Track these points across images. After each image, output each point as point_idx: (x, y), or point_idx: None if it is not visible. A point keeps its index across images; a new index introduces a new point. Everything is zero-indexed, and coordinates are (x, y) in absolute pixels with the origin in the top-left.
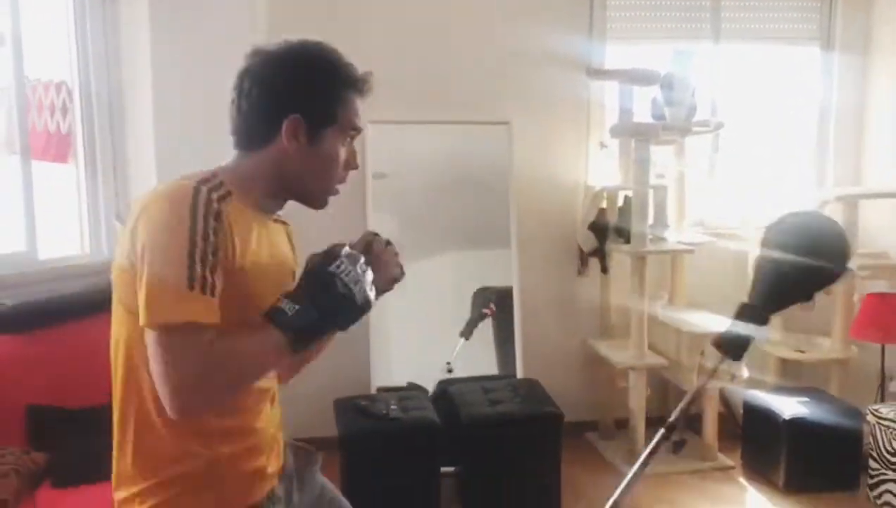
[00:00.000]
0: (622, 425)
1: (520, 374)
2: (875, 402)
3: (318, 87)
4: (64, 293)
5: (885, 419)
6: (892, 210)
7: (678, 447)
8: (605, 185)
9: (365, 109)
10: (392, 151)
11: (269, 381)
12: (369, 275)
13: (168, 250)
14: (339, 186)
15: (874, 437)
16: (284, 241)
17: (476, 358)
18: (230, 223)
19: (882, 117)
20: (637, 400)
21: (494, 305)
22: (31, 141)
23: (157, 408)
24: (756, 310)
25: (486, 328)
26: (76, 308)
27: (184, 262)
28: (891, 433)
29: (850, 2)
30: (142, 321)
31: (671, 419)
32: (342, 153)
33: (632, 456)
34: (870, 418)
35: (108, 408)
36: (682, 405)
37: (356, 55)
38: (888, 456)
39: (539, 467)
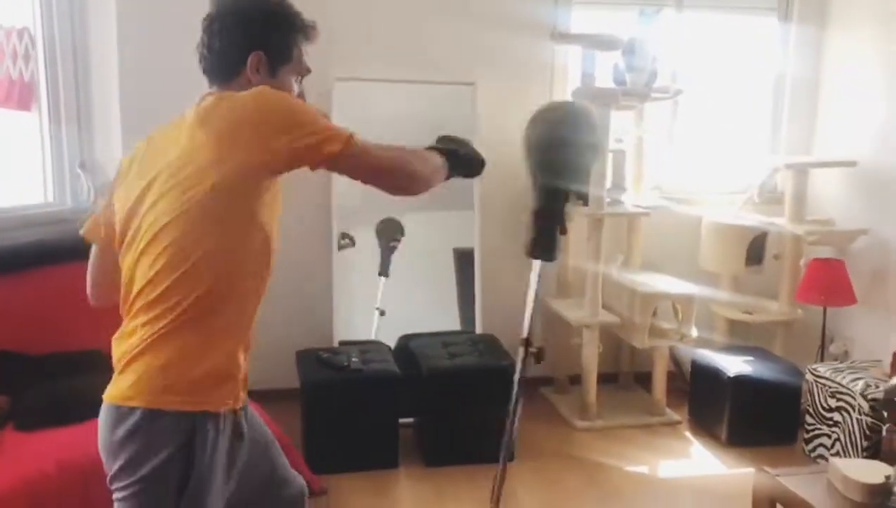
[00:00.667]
0: (576, 381)
1: (479, 330)
2: (815, 362)
3: (277, 30)
4: (26, 242)
5: (821, 377)
6: (840, 179)
7: (538, 357)
8: None
9: (331, 65)
10: (359, 108)
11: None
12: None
13: (302, 112)
14: None
15: (811, 394)
16: None
17: (439, 315)
18: None
19: (835, 89)
20: (590, 357)
21: (400, 235)
22: None
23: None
24: (546, 211)
25: (449, 288)
26: (39, 257)
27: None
28: (826, 390)
29: None
30: (329, 151)
31: (524, 335)
32: (295, 89)
33: (583, 410)
34: (808, 376)
35: (71, 355)
36: (527, 317)
37: (324, 12)
38: (823, 412)
39: (494, 419)
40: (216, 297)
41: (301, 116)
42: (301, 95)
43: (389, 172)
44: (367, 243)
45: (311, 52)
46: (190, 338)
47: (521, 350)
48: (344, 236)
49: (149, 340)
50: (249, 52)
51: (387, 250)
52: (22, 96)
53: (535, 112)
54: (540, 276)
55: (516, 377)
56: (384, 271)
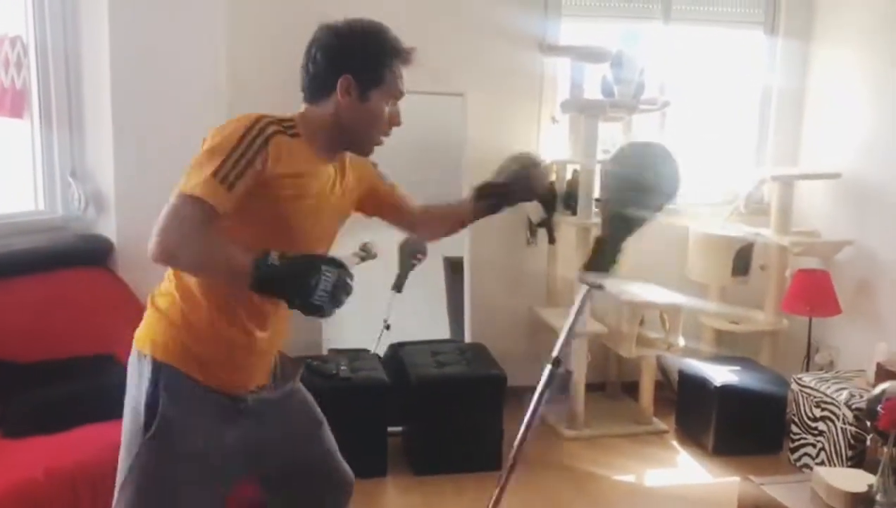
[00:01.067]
0: (563, 389)
1: (468, 339)
2: (800, 372)
3: (367, 53)
4: (17, 249)
5: (806, 387)
6: (825, 191)
7: (566, 379)
8: (554, 158)
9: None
10: None
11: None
12: (343, 295)
13: (215, 148)
14: (384, 140)
15: (797, 404)
16: (342, 179)
17: (429, 324)
18: (278, 153)
19: (820, 102)
20: (578, 366)
21: (422, 255)
22: None
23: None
24: (608, 243)
25: (440, 295)
26: (30, 264)
27: (221, 160)
28: (811, 400)
29: None
30: (177, 189)
31: (555, 354)
32: (386, 111)
33: (571, 419)
34: (794, 386)
35: (61, 363)
36: (561, 337)
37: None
38: (808, 422)
39: (483, 427)
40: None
41: (205, 152)
42: (394, 118)
43: (155, 238)
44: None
45: (292, 61)
46: None
47: (548, 368)
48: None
49: None
50: (340, 75)
51: (408, 267)
52: (14, 104)
53: (624, 151)
54: (585, 300)
55: (537, 393)
56: (398, 287)
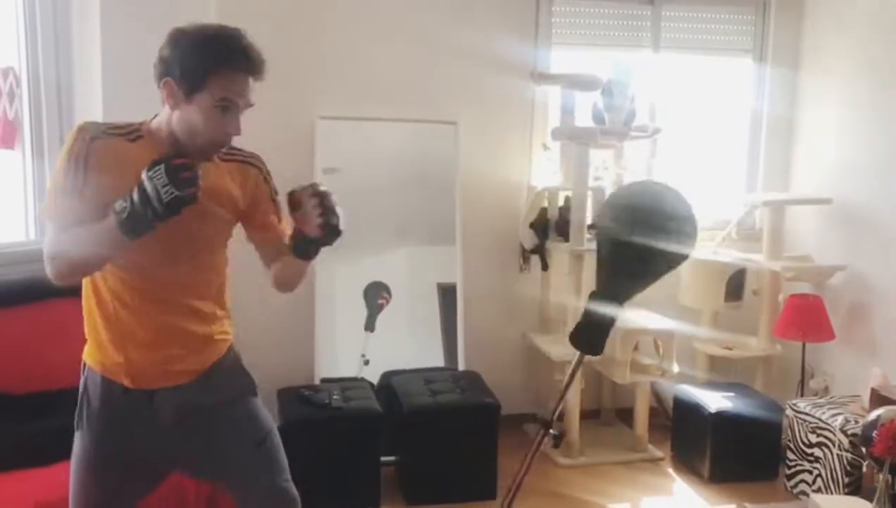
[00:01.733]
0: (558, 417)
1: (462, 367)
2: (795, 397)
3: (188, 59)
4: (8, 279)
5: (801, 412)
6: (816, 216)
7: (557, 441)
8: (546, 185)
9: (315, 103)
10: (342, 147)
11: (187, 302)
12: (181, 173)
13: (59, 168)
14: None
15: (792, 430)
16: (220, 178)
17: (422, 351)
18: (108, 156)
19: (809, 128)
20: (572, 393)
21: (387, 296)
22: None
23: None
24: (606, 299)
25: (433, 323)
26: (21, 294)
27: (62, 176)
28: (807, 426)
29: (782, 19)
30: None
31: (548, 417)
32: (212, 118)
33: (567, 447)
34: (789, 412)
35: (51, 394)
36: (556, 405)
37: (308, 50)
38: (804, 448)
39: (477, 457)
40: None
41: (56, 169)
42: (228, 126)
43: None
44: (352, 281)
45: (296, 92)
46: None
47: (540, 432)
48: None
49: None
50: (163, 80)
51: (374, 309)
52: (5, 134)
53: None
54: (579, 364)
55: (528, 458)
56: (370, 327)
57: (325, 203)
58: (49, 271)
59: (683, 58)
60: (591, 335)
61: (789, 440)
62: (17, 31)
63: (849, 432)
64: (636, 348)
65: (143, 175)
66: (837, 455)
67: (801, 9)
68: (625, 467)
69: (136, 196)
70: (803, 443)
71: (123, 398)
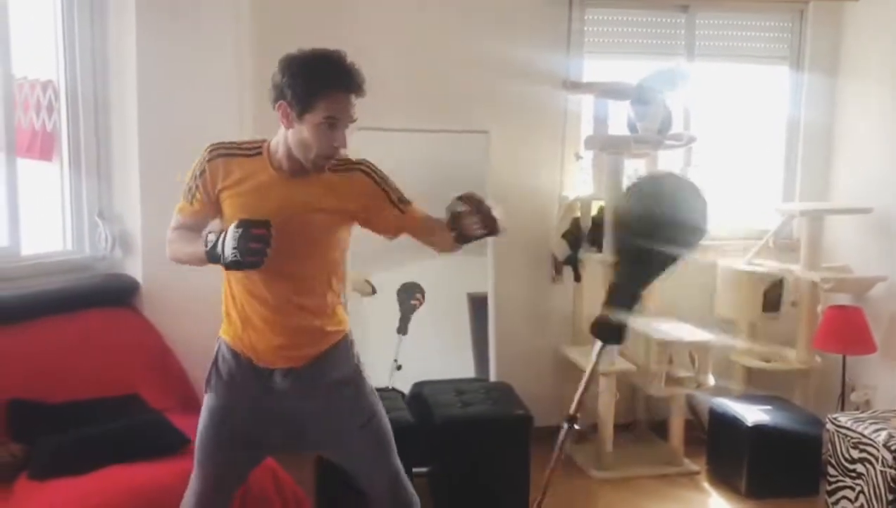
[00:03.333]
0: (591, 429)
1: (493, 378)
2: (835, 411)
3: (298, 83)
4: (45, 289)
5: (843, 427)
6: (855, 226)
7: (579, 434)
8: (579, 195)
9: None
10: (374, 157)
11: (297, 301)
12: (249, 242)
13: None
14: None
15: (833, 445)
16: (321, 191)
17: (454, 362)
18: (222, 172)
19: (848, 136)
20: (606, 405)
21: (421, 297)
22: (17, 138)
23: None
24: (623, 289)
25: (464, 333)
26: (57, 304)
27: (185, 182)
28: (849, 441)
29: (819, 25)
30: None
31: (571, 411)
32: (321, 134)
33: (599, 460)
34: (829, 426)
35: (86, 403)
36: (577, 395)
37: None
38: (846, 464)
39: (509, 468)
40: None
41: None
42: (335, 141)
43: None
44: (384, 291)
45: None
46: None
47: (564, 426)
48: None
49: None
50: (277, 103)
51: (407, 309)
52: (44, 146)
53: (639, 185)
54: (600, 354)
55: (555, 453)
56: (403, 330)
57: (482, 213)
58: (167, 253)
59: (718, 66)
60: (612, 324)
61: (830, 456)
62: (56, 46)
63: (892, 447)
64: (671, 360)
65: (230, 228)
66: (881, 471)
67: (839, 15)
68: (659, 481)
69: (216, 240)
70: (845, 459)
71: (249, 370)
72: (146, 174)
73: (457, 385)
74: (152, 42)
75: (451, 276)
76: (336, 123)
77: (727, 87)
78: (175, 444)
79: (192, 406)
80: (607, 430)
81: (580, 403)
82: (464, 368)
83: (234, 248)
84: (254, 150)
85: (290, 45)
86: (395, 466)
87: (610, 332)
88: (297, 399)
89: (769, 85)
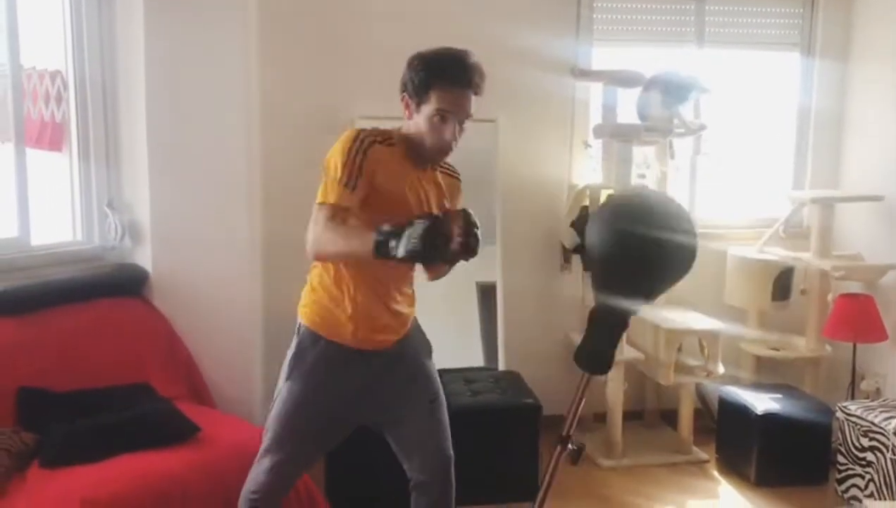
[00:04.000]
0: (600, 418)
1: (502, 366)
2: (845, 399)
3: (417, 75)
4: (55, 279)
5: (853, 415)
6: (867, 213)
7: (575, 457)
8: (588, 183)
9: (355, 103)
10: None
11: (397, 289)
12: (435, 238)
13: (334, 165)
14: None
15: (843, 433)
16: (433, 187)
17: (462, 351)
18: (376, 159)
19: (860, 123)
20: (615, 394)
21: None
22: (26, 129)
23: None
24: (605, 316)
25: (473, 322)
26: (67, 294)
27: (339, 171)
28: (858, 429)
29: (830, 11)
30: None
31: (564, 432)
32: (432, 127)
33: (608, 448)
34: (839, 414)
35: (97, 392)
36: (570, 416)
37: (347, 50)
38: (855, 452)
39: (518, 457)
40: None
41: (327, 165)
42: (449, 133)
43: (306, 245)
44: None
45: (334, 92)
46: None
47: (557, 448)
48: None
49: None
50: (401, 96)
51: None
52: (53, 137)
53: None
54: (587, 381)
55: (548, 477)
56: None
57: (467, 225)
58: (308, 250)
59: (728, 53)
60: (596, 354)
61: (840, 444)
62: (65, 36)
63: None
64: (680, 348)
65: (415, 220)
66: (891, 459)
67: (849, 1)
68: (669, 469)
69: (393, 229)
70: (855, 447)
71: (343, 354)
72: (155, 164)
73: (466, 374)
74: (160, 31)
75: (459, 265)
76: (447, 117)
77: (738, 74)
78: (185, 433)
79: (202, 395)
80: (616, 418)
81: (571, 425)
82: (473, 357)
83: (416, 238)
84: (388, 140)
85: (296, 30)
86: (450, 450)
87: (596, 362)
88: (383, 376)
89: (780, 72)
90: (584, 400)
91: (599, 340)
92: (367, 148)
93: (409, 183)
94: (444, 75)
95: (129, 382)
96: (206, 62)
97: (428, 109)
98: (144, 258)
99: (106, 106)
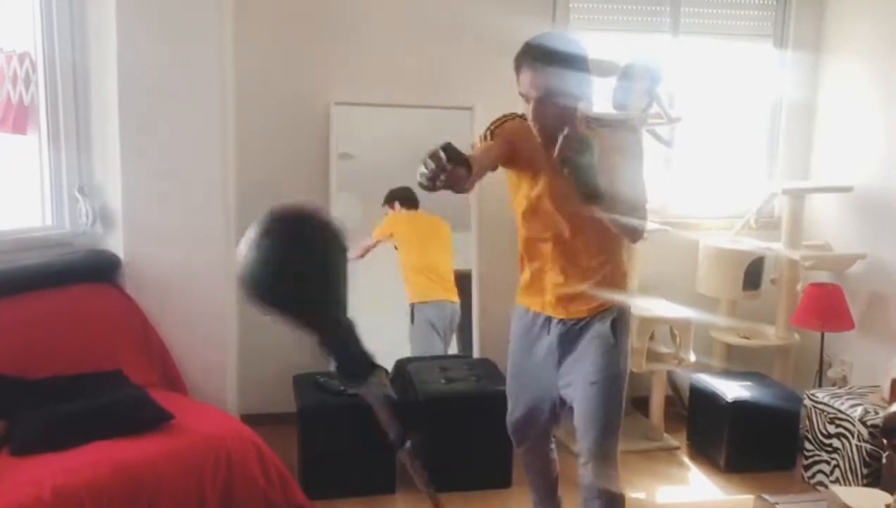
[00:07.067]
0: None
1: (476, 354)
2: (813, 387)
3: (516, 60)
4: (25, 265)
5: (820, 402)
6: (837, 204)
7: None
8: None
9: (330, 89)
10: (357, 132)
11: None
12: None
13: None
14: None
15: (810, 420)
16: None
17: (422, 312)
18: (510, 130)
19: (831, 114)
20: None
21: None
22: None
23: None
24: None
25: None
26: (38, 280)
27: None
28: (825, 416)
29: (803, 2)
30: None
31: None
32: (526, 104)
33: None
34: (807, 402)
35: (68, 379)
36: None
37: (323, 36)
38: (822, 438)
39: (492, 444)
40: None
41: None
42: (530, 111)
43: None
44: (368, 266)
45: (310, 77)
46: None
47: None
48: None
49: None
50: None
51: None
52: (20, 119)
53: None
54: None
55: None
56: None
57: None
58: None
59: (703, 42)
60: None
61: (807, 431)
62: (33, 17)
63: (868, 423)
64: (652, 336)
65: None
66: (856, 445)
67: None
68: (640, 456)
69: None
70: (821, 434)
71: (532, 319)
72: (127, 148)
73: (441, 362)
74: (133, 12)
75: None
76: (529, 98)
77: (711, 64)
78: (158, 420)
79: (175, 383)
80: None
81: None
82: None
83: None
84: (519, 116)
85: (273, 11)
86: (605, 443)
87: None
88: (562, 349)
89: (753, 62)
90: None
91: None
92: (502, 124)
93: (529, 146)
94: (523, 56)
95: (101, 369)
96: (180, 45)
97: (521, 88)
98: (116, 244)
99: (76, 89)
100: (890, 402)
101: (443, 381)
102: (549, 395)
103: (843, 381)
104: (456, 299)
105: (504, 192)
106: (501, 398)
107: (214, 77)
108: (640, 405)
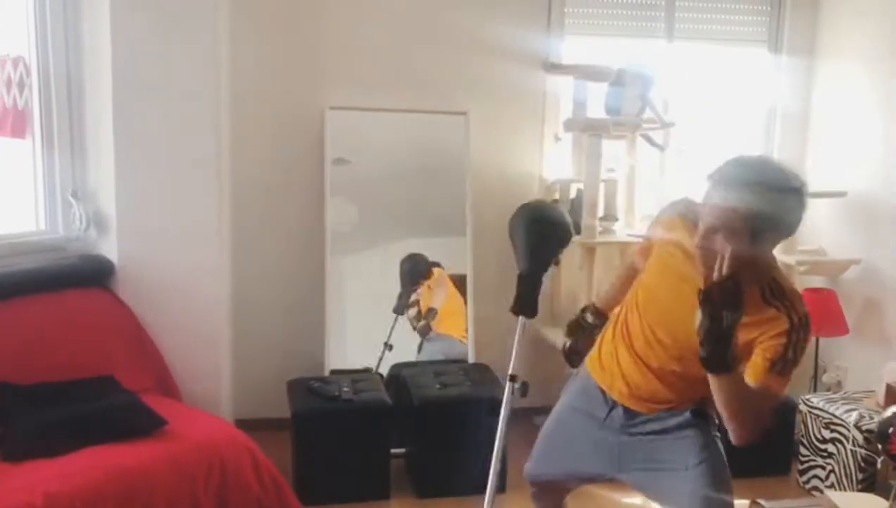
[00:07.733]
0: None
1: (471, 359)
2: (808, 392)
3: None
4: (18, 269)
5: (815, 408)
6: (831, 209)
7: (524, 389)
8: (558, 177)
9: (324, 94)
10: (352, 137)
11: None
12: None
13: None
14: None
15: (805, 425)
16: None
17: (432, 344)
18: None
19: (825, 119)
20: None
21: (423, 280)
22: None
23: None
24: (526, 275)
25: None
26: (31, 284)
27: None
28: (820, 421)
29: (798, 7)
30: None
31: (510, 371)
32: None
33: None
34: (802, 407)
35: (61, 385)
36: (514, 356)
37: (318, 41)
38: (817, 444)
39: (487, 449)
40: None
41: None
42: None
43: None
44: (362, 272)
45: (305, 82)
46: None
47: (508, 386)
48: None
49: None
50: None
51: (408, 289)
52: (15, 124)
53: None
54: (524, 325)
55: (503, 412)
56: (400, 309)
57: None
58: None
59: (697, 48)
60: (525, 300)
61: (802, 436)
62: (28, 21)
63: (863, 428)
64: None
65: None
66: (851, 450)
67: None
68: None
69: None
70: (816, 438)
71: (595, 390)
72: (121, 153)
73: (435, 367)
74: (128, 16)
75: (429, 257)
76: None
77: (706, 69)
78: (151, 426)
79: (168, 388)
80: None
81: (512, 364)
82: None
83: None
84: None
85: (268, 19)
86: None
87: (525, 307)
88: (620, 433)
89: (748, 68)
90: (521, 343)
91: (525, 292)
92: None
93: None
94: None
95: (93, 374)
96: (174, 50)
97: None
98: (110, 249)
99: (70, 93)
100: (885, 407)
101: (437, 386)
102: (589, 471)
103: (838, 386)
104: None
105: (499, 197)
106: (497, 403)
107: (209, 81)
108: None
